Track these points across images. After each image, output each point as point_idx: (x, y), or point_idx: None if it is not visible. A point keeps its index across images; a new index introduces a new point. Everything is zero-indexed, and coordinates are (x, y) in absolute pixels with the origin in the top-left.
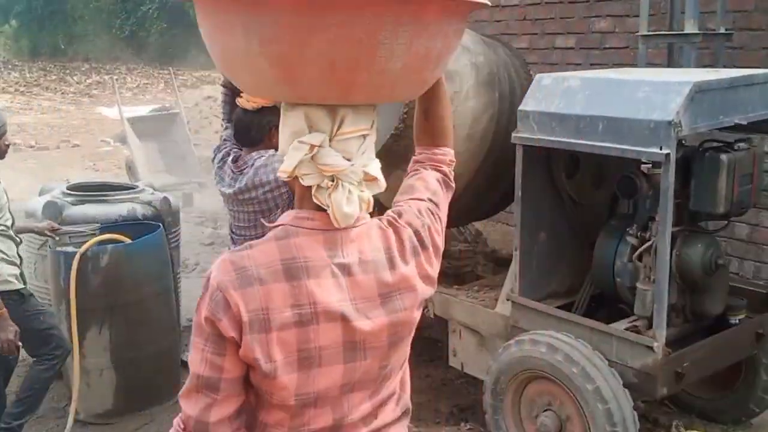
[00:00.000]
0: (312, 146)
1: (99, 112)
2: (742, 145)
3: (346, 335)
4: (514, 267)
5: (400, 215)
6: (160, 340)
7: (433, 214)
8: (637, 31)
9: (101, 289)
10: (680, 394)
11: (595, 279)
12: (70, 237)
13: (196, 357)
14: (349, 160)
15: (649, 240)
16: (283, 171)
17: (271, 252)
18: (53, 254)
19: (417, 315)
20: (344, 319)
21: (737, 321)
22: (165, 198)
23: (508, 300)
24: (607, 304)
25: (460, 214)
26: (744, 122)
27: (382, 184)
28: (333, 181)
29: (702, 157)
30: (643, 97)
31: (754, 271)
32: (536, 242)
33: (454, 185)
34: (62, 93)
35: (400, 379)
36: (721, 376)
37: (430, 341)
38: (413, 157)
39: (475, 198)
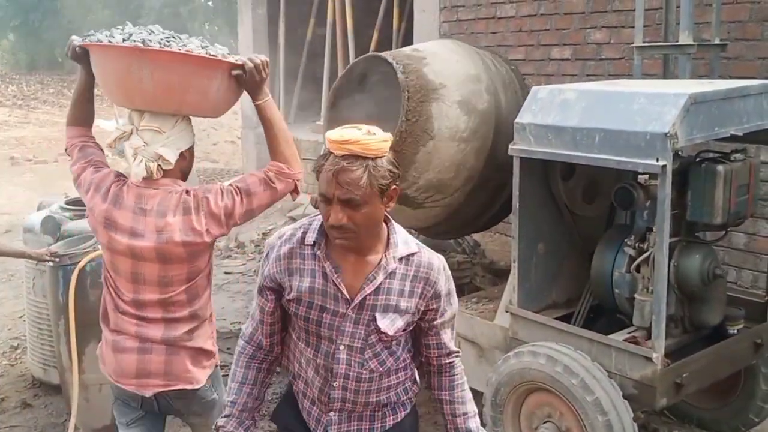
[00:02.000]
0: (123, 131)
1: (97, 125)
2: (738, 155)
3: (130, 245)
4: (513, 278)
5: (195, 189)
6: None
7: (223, 193)
8: (633, 42)
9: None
10: (679, 404)
11: (593, 290)
12: (69, 257)
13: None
14: (147, 143)
15: (647, 251)
16: (108, 143)
17: (116, 187)
18: (51, 269)
19: (181, 250)
20: (130, 237)
21: (735, 331)
22: None
23: (506, 311)
24: (605, 315)
25: (461, 226)
26: (740, 133)
27: (172, 163)
28: (136, 154)
29: (698, 168)
30: (638, 109)
31: (752, 281)
32: (534, 253)
33: (277, 185)
34: (60, 106)
35: (185, 290)
36: (720, 386)
37: None
38: None
39: (475, 211)
